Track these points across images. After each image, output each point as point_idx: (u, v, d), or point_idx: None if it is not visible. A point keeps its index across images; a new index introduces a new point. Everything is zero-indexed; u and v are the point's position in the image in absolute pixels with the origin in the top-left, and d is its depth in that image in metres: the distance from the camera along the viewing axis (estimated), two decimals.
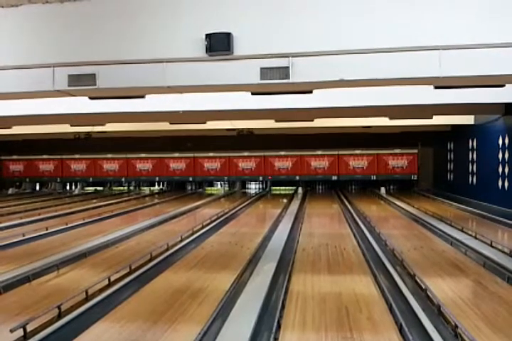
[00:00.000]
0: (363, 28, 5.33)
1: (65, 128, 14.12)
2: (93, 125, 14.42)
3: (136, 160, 20.40)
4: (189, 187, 20.80)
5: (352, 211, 12.20)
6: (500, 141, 11.90)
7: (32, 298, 4.97)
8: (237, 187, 20.30)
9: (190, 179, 20.23)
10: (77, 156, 20.76)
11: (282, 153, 19.35)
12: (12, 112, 10.25)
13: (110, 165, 20.64)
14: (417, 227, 9.74)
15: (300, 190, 18.85)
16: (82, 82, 5.92)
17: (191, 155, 19.91)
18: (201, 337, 3.76)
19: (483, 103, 9.62)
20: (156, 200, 16.68)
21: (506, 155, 11.56)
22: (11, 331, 3.77)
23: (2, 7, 5.92)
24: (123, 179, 20.73)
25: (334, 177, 19.08)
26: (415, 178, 18.79)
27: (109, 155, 20.58)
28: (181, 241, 8.01)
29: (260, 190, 19.86)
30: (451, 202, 13.71)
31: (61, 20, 5.88)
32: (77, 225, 9.97)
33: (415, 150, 18.77)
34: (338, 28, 5.39)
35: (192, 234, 8.68)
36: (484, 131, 13.28)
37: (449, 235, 8.23)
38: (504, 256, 6.49)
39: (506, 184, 11.55)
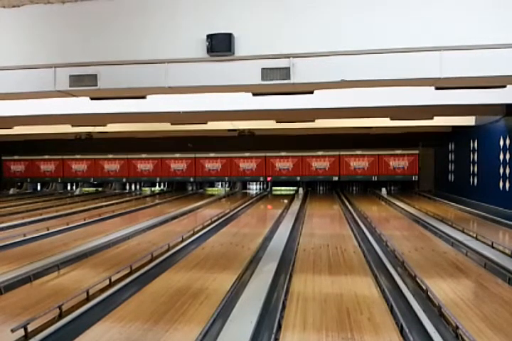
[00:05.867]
0: (363, 29, 5.33)
1: (66, 128, 14.13)
2: (94, 125, 14.44)
3: (137, 160, 20.42)
4: (190, 188, 20.81)
5: (353, 212, 12.21)
6: (501, 142, 11.90)
7: (33, 298, 4.98)
8: (238, 187, 20.31)
9: (191, 179, 20.24)
10: (78, 157, 20.80)
11: (283, 153, 19.36)
12: (13, 112, 10.26)
13: (111, 165, 20.66)
14: (417, 228, 9.74)
15: (301, 190, 18.87)
16: (83, 83, 5.93)
17: (192, 155, 19.93)
18: (202, 337, 3.77)
19: (484, 104, 9.61)
20: (157, 201, 16.69)
21: (507, 156, 11.55)
22: (12, 331, 3.78)
23: (4, 7, 5.93)
24: (124, 179, 20.75)
25: (335, 178, 19.09)
26: (416, 179, 18.80)
27: (110, 156, 20.60)
28: (182, 241, 8.02)
29: (261, 191, 19.87)
30: (452, 203, 13.71)
31: (63, 20, 5.89)
32: (78, 225, 9.99)
33: (416, 151, 18.78)
34: (338, 29, 5.39)
35: (193, 235, 8.68)
36: (485, 132, 13.27)
37: (449, 236, 8.22)
38: (505, 257, 6.49)
39: (507, 185, 11.54)
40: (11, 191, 20.17)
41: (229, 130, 15.36)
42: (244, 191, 20.09)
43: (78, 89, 6.02)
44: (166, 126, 13.85)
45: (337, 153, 19.02)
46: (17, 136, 16.56)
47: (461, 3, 5.19)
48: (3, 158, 21.35)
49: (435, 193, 17.23)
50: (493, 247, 7.13)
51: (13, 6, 5.90)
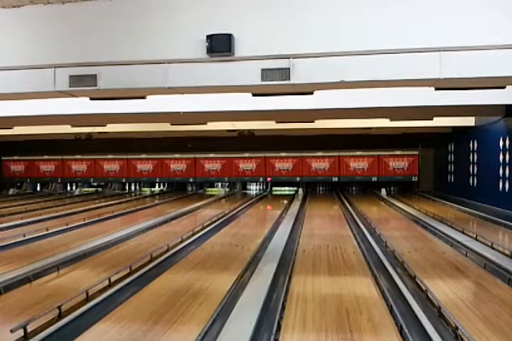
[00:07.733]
0: (363, 30, 5.33)
1: (66, 128, 14.14)
2: (94, 126, 14.44)
3: (137, 161, 20.42)
4: (190, 188, 20.80)
5: (352, 212, 12.20)
6: (501, 143, 11.90)
7: (32, 298, 4.97)
8: (237, 188, 20.31)
9: (191, 180, 20.23)
10: (77, 157, 20.80)
11: (283, 154, 19.36)
12: (13, 113, 10.26)
13: (111, 165, 20.66)
14: (417, 229, 9.73)
15: (301, 191, 18.86)
16: (83, 83, 5.92)
17: (192, 156, 19.93)
18: (201, 337, 3.77)
19: (484, 105, 9.61)
20: (157, 201, 16.68)
21: (507, 157, 11.55)
22: (12, 331, 3.78)
23: (3, 8, 5.93)
24: (123, 180, 20.74)
25: (335, 179, 19.09)
26: (416, 180, 18.80)
27: (110, 156, 20.60)
28: (182, 242, 8.01)
29: (261, 191, 19.87)
30: (451, 204, 13.71)
31: (62, 21, 5.89)
32: (77, 226, 9.98)
33: (416, 152, 18.79)
34: (338, 30, 5.39)
35: (192, 235, 8.68)
36: (485, 133, 13.28)
37: (449, 237, 8.22)
38: (505, 257, 6.49)
39: (507, 186, 11.54)
40: (11, 191, 20.16)
41: (228, 130, 15.35)
42: (244, 191, 20.08)
43: (78, 89, 6.02)
44: (165, 127, 13.85)
45: (337, 153, 19.02)
46: (17, 136, 16.56)
47: (461, 3, 5.19)
48: (3, 158, 21.34)
49: (435, 194, 17.23)
50: (492, 248, 7.13)
51: (13, 6, 5.90)
